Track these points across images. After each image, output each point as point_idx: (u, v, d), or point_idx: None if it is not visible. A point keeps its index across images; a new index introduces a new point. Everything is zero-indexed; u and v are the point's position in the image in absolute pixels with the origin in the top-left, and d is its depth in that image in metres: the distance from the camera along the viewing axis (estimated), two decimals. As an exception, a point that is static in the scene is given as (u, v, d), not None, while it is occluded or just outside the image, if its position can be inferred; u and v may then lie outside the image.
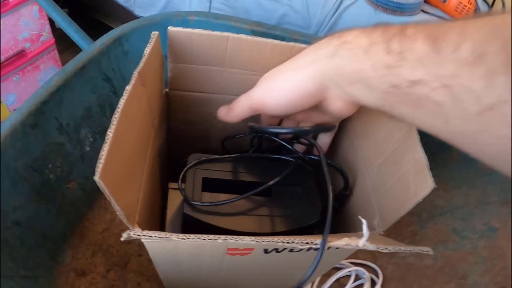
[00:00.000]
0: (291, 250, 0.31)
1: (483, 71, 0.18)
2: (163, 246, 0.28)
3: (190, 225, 0.36)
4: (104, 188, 0.23)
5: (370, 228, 0.23)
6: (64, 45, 1.11)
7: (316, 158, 0.40)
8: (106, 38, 0.48)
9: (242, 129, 0.42)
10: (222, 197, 0.37)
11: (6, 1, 0.84)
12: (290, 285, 0.49)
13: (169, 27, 0.36)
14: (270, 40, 0.37)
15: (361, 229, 0.26)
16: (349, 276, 0.51)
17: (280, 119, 0.41)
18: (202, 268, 0.35)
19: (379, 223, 0.35)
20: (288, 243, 0.21)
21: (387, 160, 0.36)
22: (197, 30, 0.36)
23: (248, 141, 0.43)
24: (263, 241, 0.26)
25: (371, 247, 0.22)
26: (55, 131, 0.43)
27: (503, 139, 0.19)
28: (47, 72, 1.04)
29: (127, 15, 1.11)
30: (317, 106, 0.32)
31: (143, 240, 0.27)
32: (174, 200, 0.41)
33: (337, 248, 0.22)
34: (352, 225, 0.41)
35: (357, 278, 0.52)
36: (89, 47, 0.47)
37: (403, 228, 0.54)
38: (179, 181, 0.37)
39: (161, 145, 0.44)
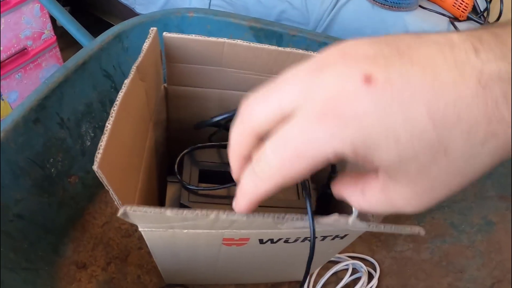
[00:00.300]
0: (286, 241, 0.31)
1: None
2: (160, 236, 0.29)
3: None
4: (102, 177, 0.23)
5: (365, 219, 0.23)
6: (66, 43, 1.11)
7: None
8: (106, 35, 0.49)
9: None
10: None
11: (7, 0, 0.85)
12: (286, 279, 0.50)
13: (164, 33, 0.36)
14: (266, 46, 0.37)
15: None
16: (346, 269, 0.52)
17: None
18: (199, 259, 0.36)
19: (374, 214, 0.35)
20: (278, 218, 0.21)
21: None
22: (193, 36, 0.36)
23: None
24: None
25: (362, 225, 0.22)
26: (56, 126, 0.44)
27: None
28: (49, 70, 1.04)
29: (128, 13, 1.11)
30: None
31: (140, 229, 0.27)
32: (173, 193, 0.41)
33: (328, 225, 0.22)
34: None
35: (355, 271, 0.52)
36: (89, 44, 0.47)
37: (401, 222, 0.54)
38: (175, 166, 0.38)
39: (160, 138, 0.45)
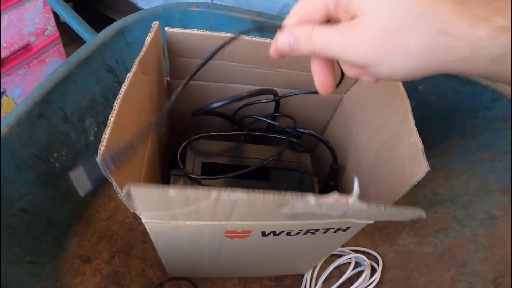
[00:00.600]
0: (288, 233, 0.32)
1: None
2: (164, 229, 0.29)
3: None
4: (105, 169, 0.23)
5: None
6: (69, 39, 1.11)
7: (303, 130, 0.41)
8: (109, 30, 0.49)
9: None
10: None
11: (10, -4, 0.85)
12: (290, 272, 0.50)
13: (166, 28, 0.36)
14: (268, 40, 0.37)
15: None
16: (349, 263, 0.52)
17: None
18: (203, 252, 0.36)
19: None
20: (278, 197, 0.22)
21: (384, 145, 0.36)
22: (194, 31, 0.36)
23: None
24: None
25: (362, 205, 0.22)
26: (60, 121, 0.44)
27: None
28: (53, 66, 1.05)
29: (131, 8, 1.11)
30: None
31: (144, 221, 0.28)
32: (176, 185, 0.42)
33: (329, 206, 0.22)
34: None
35: (357, 265, 0.52)
36: (92, 39, 0.47)
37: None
38: (178, 154, 0.38)
39: (162, 131, 0.45)
